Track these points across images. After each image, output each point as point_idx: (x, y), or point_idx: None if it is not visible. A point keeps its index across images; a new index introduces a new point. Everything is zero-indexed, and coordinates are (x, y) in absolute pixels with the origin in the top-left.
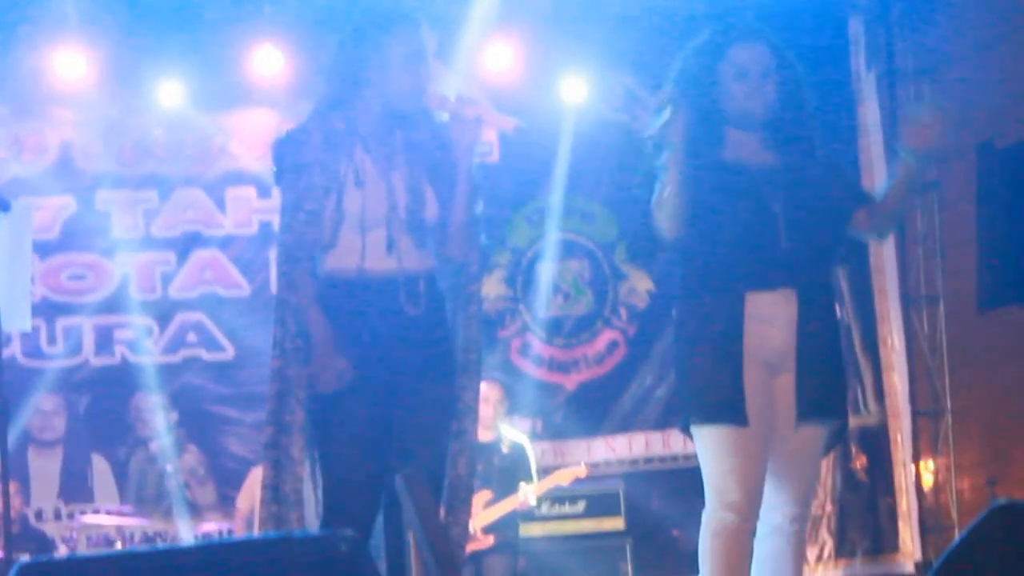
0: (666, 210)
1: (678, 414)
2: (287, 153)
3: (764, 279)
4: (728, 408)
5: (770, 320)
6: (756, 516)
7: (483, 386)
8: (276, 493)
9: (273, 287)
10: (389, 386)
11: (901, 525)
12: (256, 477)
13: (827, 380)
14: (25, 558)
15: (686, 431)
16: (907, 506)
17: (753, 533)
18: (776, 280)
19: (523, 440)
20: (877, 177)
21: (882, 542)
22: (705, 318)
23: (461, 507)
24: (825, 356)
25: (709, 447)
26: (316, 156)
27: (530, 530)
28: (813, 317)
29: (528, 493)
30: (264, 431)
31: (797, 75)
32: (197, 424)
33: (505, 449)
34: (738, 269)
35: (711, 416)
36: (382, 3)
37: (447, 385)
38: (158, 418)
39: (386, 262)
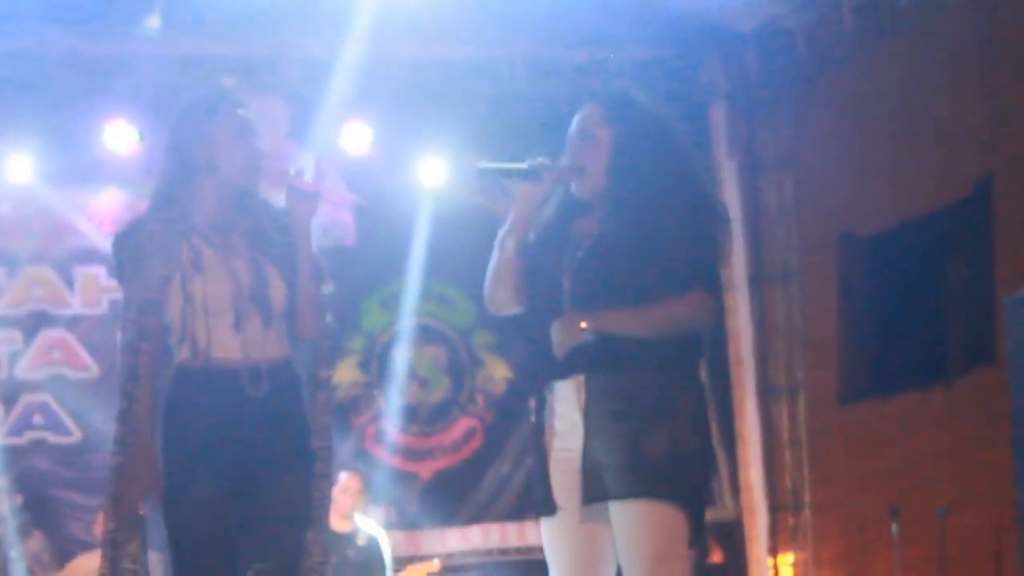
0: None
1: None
2: (125, 246)
3: (557, 367)
4: (540, 498)
5: (564, 406)
6: None
7: (344, 476)
8: None
9: None
10: (240, 474)
11: None
12: (80, 567)
13: (616, 460)
14: None
15: None
16: None
17: None
18: (566, 368)
19: (379, 533)
20: (736, 265)
21: None
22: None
23: None
24: (616, 437)
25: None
26: (154, 246)
27: None
28: (603, 403)
29: None
30: (105, 524)
31: (633, 130)
32: (42, 509)
33: (361, 542)
34: (539, 356)
35: (535, 507)
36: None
37: (302, 472)
38: (2, 502)
39: (231, 348)
